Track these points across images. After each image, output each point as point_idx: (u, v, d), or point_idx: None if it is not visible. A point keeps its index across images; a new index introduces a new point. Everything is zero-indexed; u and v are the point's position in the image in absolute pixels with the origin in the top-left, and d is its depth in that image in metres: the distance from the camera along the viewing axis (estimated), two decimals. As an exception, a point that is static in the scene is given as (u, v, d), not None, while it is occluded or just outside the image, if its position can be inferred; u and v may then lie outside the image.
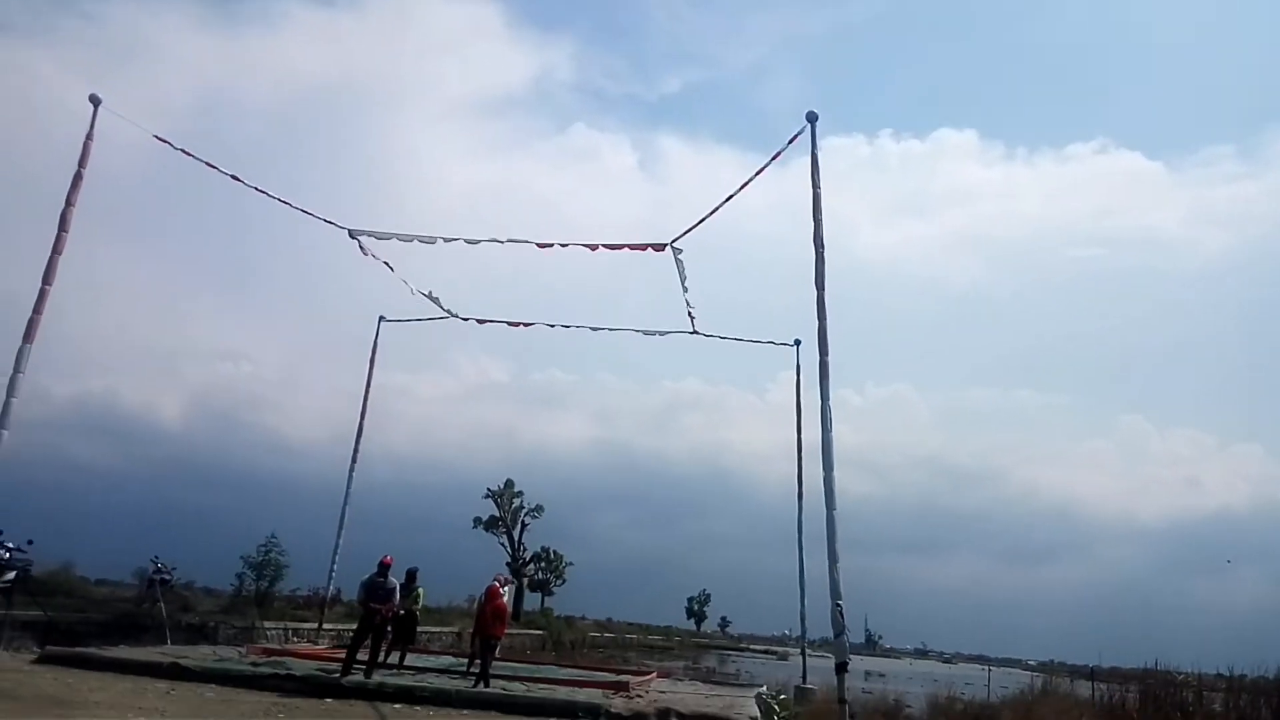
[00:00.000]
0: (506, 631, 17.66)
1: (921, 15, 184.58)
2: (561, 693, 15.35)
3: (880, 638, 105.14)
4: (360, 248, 17.19)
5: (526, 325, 23.09)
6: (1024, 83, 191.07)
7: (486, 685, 15.05)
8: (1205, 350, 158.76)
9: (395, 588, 15.53)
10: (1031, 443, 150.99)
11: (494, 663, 16.19)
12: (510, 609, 19.14)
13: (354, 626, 16.13)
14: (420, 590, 18.39)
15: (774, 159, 14.71)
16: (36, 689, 11.62)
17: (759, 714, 14.67)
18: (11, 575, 17.00)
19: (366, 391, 23.66)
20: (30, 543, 17.93)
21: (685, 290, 17.37)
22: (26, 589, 17.63)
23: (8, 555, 17.11)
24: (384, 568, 15.44)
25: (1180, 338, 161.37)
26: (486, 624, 15.92)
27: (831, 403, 13.25)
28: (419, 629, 19.71)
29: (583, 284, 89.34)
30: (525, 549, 52.09)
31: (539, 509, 51.69)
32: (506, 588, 19.25)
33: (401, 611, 16.80)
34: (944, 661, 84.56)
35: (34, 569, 18.43)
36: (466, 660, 17.23)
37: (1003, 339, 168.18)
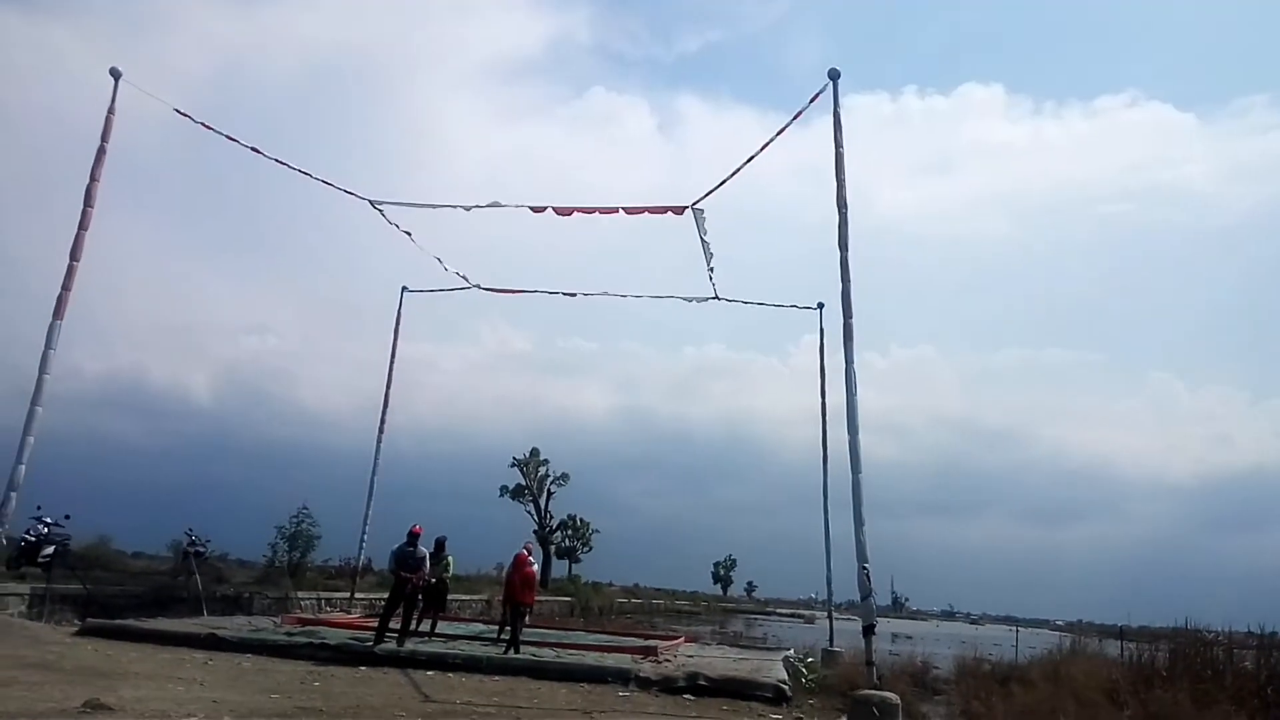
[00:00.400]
0: (536, 598, 17.79)
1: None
2: (590, 658, 15.51)
3: (907, 600, 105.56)
4: (384, 218, 17.19)
5: (548, 294, 23.11)
6: (1052, 35, 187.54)
7: (517, 651, 15.23)
8: (1236, 306, 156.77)
9: (425, 556, 15.72)
10: (1060, 402, 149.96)
11: (524, 629, 16.35)
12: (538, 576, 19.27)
13: (385, 595, 16.35)
14: (450, 558, 18.54)
15: (795, 119, 14.49)
16: (78, 660, 11.86)
17: (786, 677, 14.74)
18: (50, 549, 17.37)
19: (391, 363, 23.80)
20: (67, 517, 18.30)
21: (708, 254, 17.21)
22: (65, 563, 17.99)
23: (46, 530, 17.47)
24: (413, 537, 15.60)
25: (1211, 294, 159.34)
26: (516, 591, 16.08)
27: (856, 366, 13.16)
28: (449, 597, 19.90)
29: (604, 250, 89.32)
30: (552, 517, 52.53)
31: (565, 477, 52.07)
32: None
33: (432, 580, 16.98)
34: (971, 623, 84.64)
35: (72, 543, 18.79)
36: (497, 627, 17.40)
37: (1030, 297, 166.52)
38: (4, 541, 14.98)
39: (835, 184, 13.46)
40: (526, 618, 16.61)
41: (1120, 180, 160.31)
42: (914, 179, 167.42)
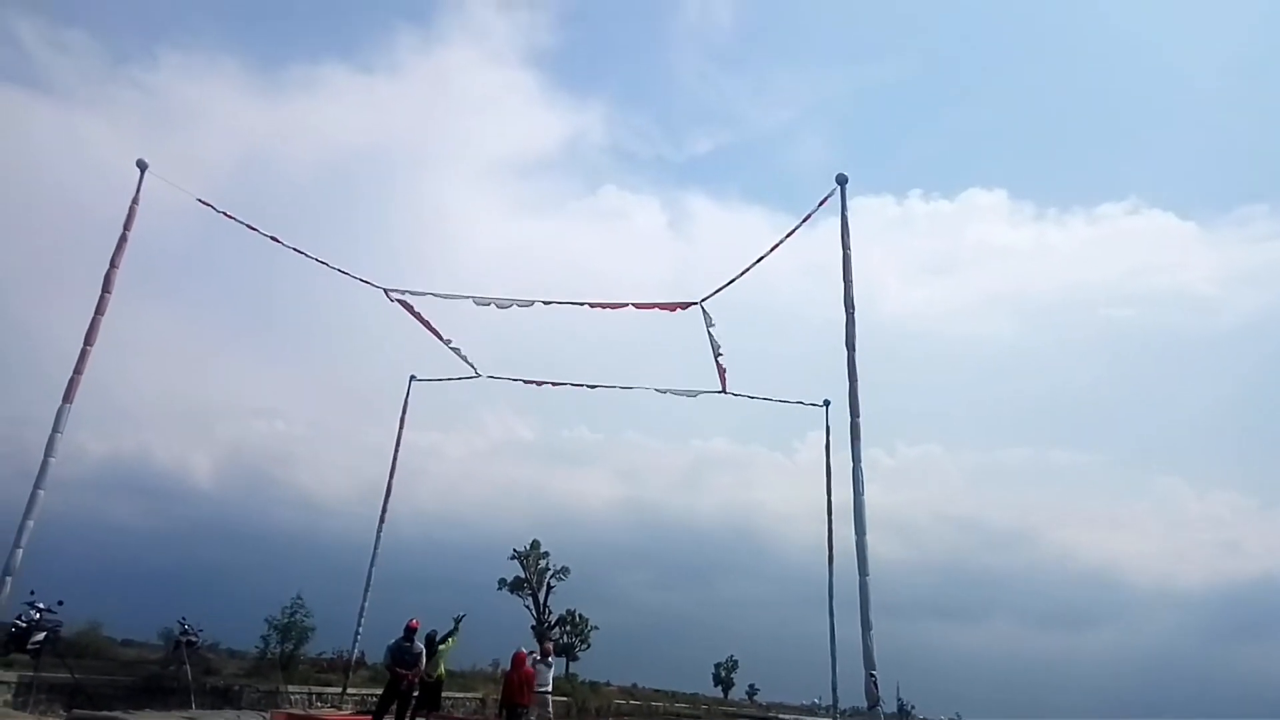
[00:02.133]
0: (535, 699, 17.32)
1: (951, 76, 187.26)
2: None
3: (913, 707, 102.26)
4: (403, 306, 17.43)
5: (555, 385, 23.19)
6: (1055, 142, 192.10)
7: None
8: (1244, 410, 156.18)
9: (421, 652, 15.42)
10: (1066, 503, 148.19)
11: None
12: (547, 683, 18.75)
13: (379, 691, 15.97)
14: (443, 648, 18.05)
15: (804, 222, 14.81)
16: (62, 753, 11.54)
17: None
18: (41, 636, 17.03)
19: (396, 451, 23.80)
20: (60, 603, 17.98)
21: (716, 350, 17.38)
22: (55, 650, 17.61)
23: (38, 616, 17.16)
24: (410, 631, 15.33)
25: (1218, 398, 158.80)
26: (514, 692, 15.67)
27: (863, 464, 13.12)
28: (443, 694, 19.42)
29: (612, 343, 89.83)
30: (550, 611, 51.52)
31: (565, 571, 51.27)
32: (549, 658, 19.12)
33: (427, 677, 16.61)
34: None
35: (63, 629, 18.44)
36: None
37: (1036, 397, 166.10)
38: (-4, 627, 14.77)
39: (843, 285, 13.66)
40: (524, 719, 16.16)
41: (1122, 284, 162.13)
42: (919, 279, 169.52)
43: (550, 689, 18.93)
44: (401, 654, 15.07)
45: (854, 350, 13.35)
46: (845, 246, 13.79)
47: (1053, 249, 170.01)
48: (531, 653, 19.06)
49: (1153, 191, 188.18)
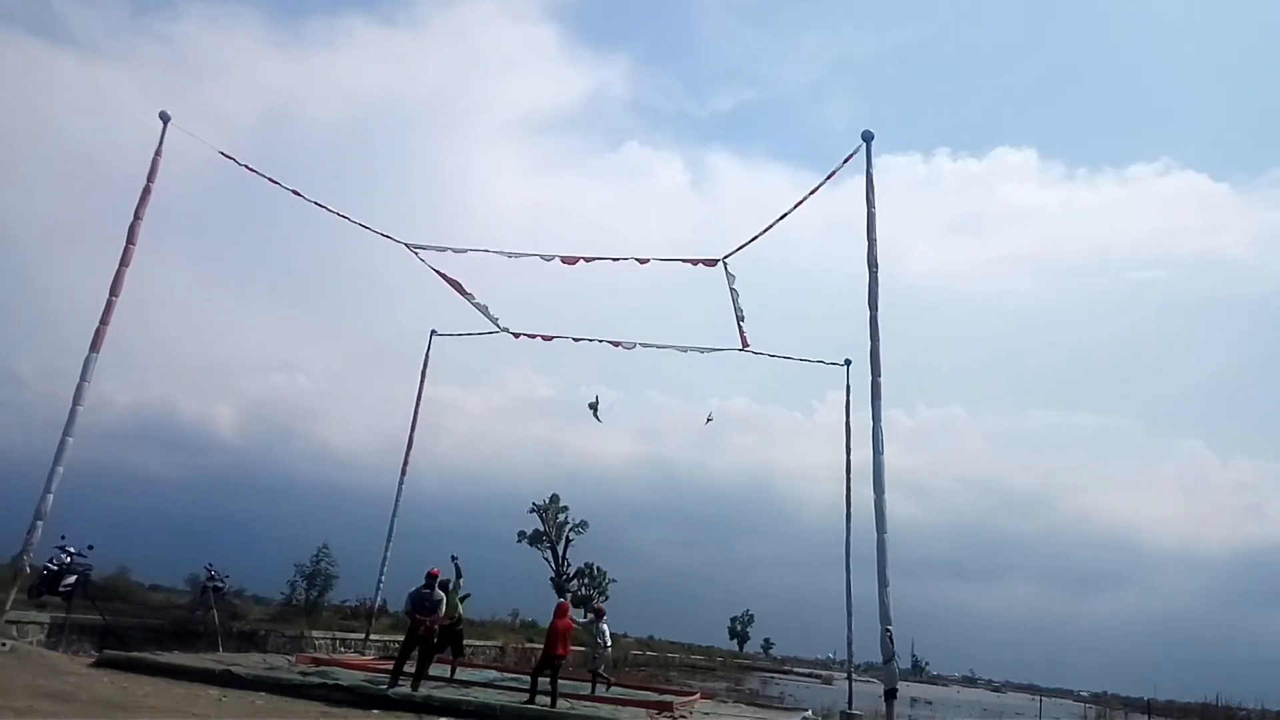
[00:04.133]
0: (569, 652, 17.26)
1: (982, 35, 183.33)
2: (605, 711, 15.30)
3: (927, 664, 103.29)
4: (424, 262, 17.45)
5: (575, 340, 23.23)
6: (1086, 102, 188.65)
7: (553, 704, 14.89)
8: (1270, 375, 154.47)
9: (441, 599, 15.62)
10: (1088, 467, 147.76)
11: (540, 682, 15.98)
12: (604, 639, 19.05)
13: (401, 638, 16.25)
14: (456, 592, 17.98)
15: (828, 179, 14.66)
16: (93, 692, 11.86)
17: (805, 739, 14.46)
18: (72, 579, 17.42)
19: (417, 404, 23.97)
20: (90, 548, 18.36)
21: (738, 308, 17.32)
22: (86, 593, 18.03)
23: (69, 560, 17.54)
24: (430, 579, 15.53)
25: (1244, 363, 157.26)
26: (551, 642, 15.72)
27: (883, 424, 13.11)
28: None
29: (632, 301, 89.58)
30: (569, 564, 52.10)
31: (584, 524, 51.71)
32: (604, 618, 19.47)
33: (450, 621, 16.85)
34: (993, 690, 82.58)
35: (93, 574, 18.85)
36: (529, 677, 16.62)
37: (1061, 360, 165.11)
38: (28, 569, 15.12)
39: (866, 243, 13.55)
40: (559, 670, 16.06)
41: (1152, 246, 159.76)
42: (945, 239, 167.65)
43: (607, 646, 19.30)
44: (421, 601, 15.28)
45: (876, 309, 13.29)
46: (870, 204, 13.65)
47: (1082, 210, 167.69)
48: (588, 613, 19.83)
49: (1185, 152, 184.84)
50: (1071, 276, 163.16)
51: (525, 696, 15.28)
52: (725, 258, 15.89)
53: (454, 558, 18.05)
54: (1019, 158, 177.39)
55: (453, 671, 17.77)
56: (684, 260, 16.25)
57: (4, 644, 13.79)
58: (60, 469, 14.19)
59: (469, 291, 19.71)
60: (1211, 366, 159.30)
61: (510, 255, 16.92)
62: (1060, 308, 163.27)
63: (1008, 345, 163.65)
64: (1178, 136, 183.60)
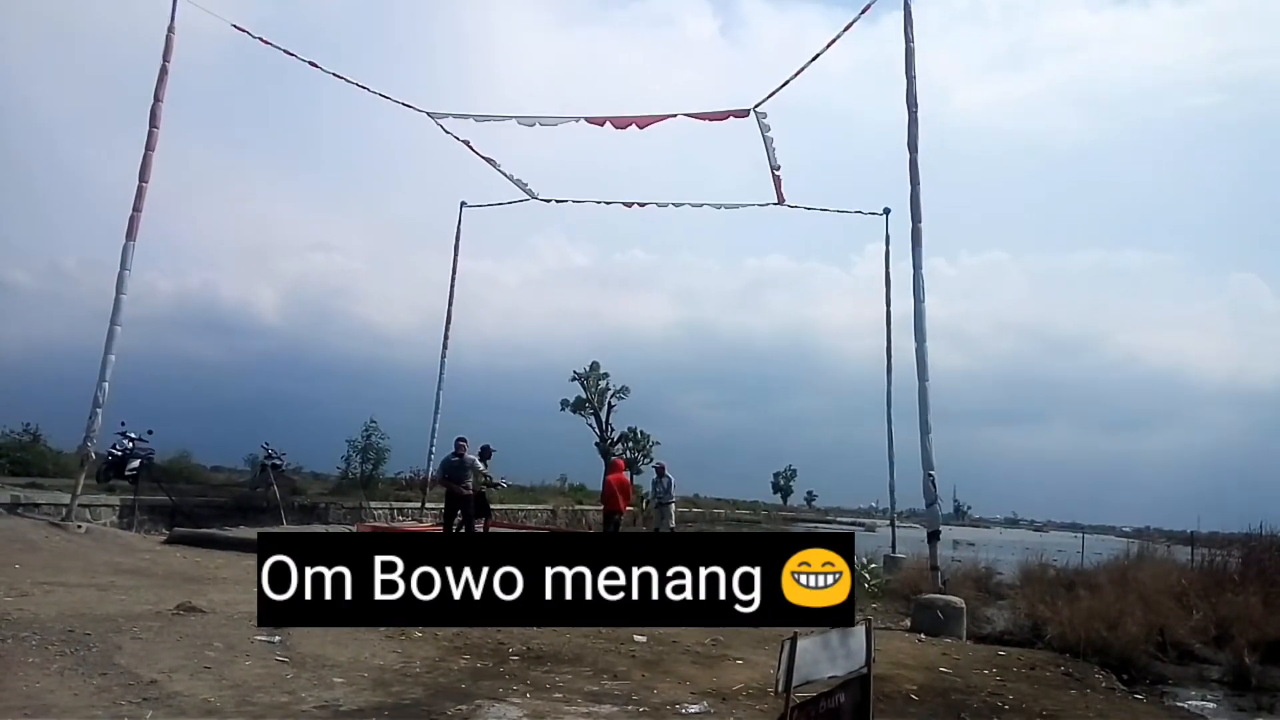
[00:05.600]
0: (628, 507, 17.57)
1: None
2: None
3: (969, 508, 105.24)
4: (442, 129, 17.10)
5: (607, 204, 22.95)
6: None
7: None
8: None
9: (469, 465, 16.05)
10: (1135, 306, 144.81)
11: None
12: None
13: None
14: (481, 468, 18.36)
15: (863, 13, 13.93)
16: (168, 567, 12.47)
17: (850, 582, 14.86)
18: (136, 463, 18.11)
19: (453, 278, 23.98)
20: (150, 432, 19.01)
21: (772, 159, 16.82)
22: (151, 475, 18.77)
23: (131, 445, 18.19)
24: (458, 446, 16.08)
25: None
26: (606, 498, 16.20)
27: (924, 272, 12.89)
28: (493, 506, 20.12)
29: (663, 160, 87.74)
30: (613, 429, 53.13)
31: (625, 390, 52.46)
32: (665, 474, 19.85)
33: (483, 486, 17.32)
34: (1035, 530, 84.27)
35: (155, 457, 19.57)
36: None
37: (1109, 198, 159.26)
38: (93, 455, 15.70)
39: (905, 81, 12.98)
40: (618, 526, 16.51)
41: (1211, 70, 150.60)
42: (988, 75, 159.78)
43: (672, 500, 19.89)
44: (447, 468, 15.91)
45: (916, 151, 12.85)
46: (908, 39, 13.00)
47: (1135, 35, 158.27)
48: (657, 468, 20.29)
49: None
50: (1122, 107, 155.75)
51: None
52: (756, 106, 15.35)
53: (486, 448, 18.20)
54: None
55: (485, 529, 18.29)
56: (713, 114, 15.73)
57: (80, 526, 14.45)
58: (112, 357, 14.52)
59: (489, 158, 19.30)
60: (1268, 194, 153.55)
61: (530, 123, 16.48)
62: (1109, 141, 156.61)
63: (1053, 184, 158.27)
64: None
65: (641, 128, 16.01)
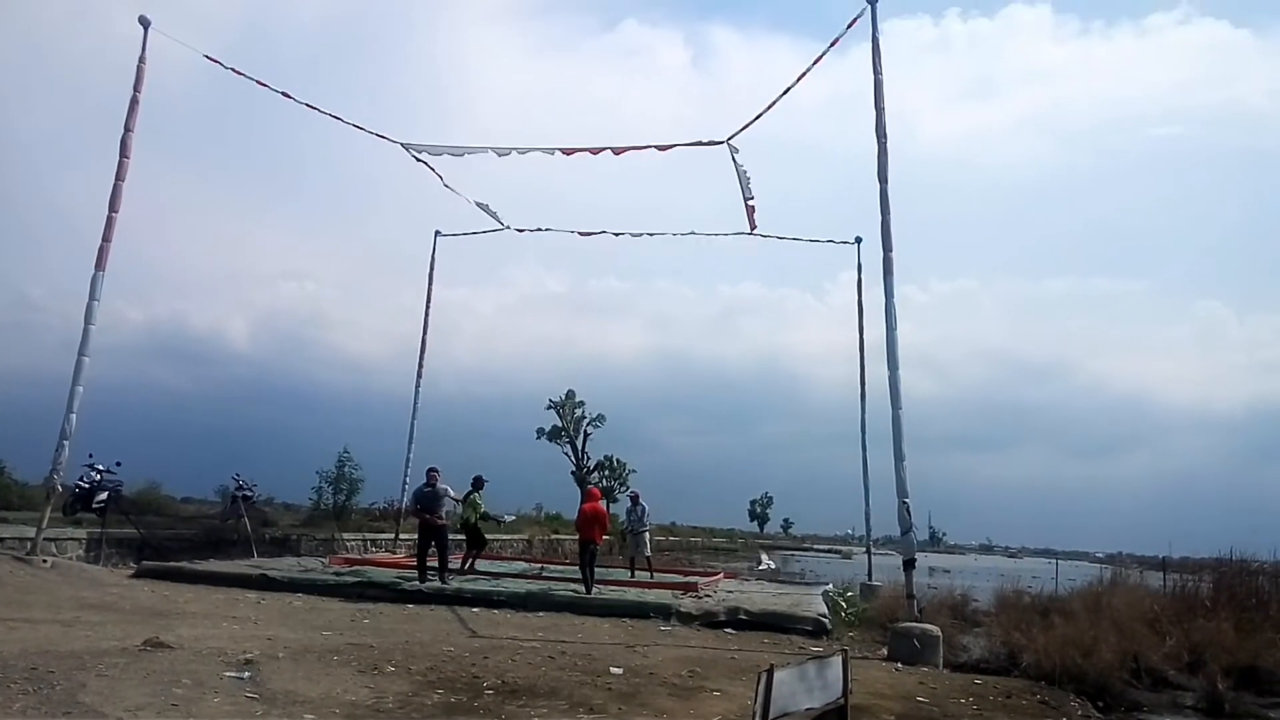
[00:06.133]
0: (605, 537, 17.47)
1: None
2: (632, 594, 15.72)
3: (944, 535, 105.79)
4: (416, 159, 17.07)
5: (580, 234, 22.99)
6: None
7: (587, 590, 15.18)
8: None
9: (441, 495, 15.90)
10: (1103, 333, 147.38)
11: (565, 568, 16.43)
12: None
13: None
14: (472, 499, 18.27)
15: (832, 46, 14.12)
16: (136, 601, 12.23)
17: (826, 610, 14.87)
18: (104, 495, 17.82)
19: (427, 307, 23.90)
20: (119, 464, 18.73)
21: (745, 189, 16.93)
22: (119, 508, 18.47)
23: (99, 477, 17.90)
24: (430, 477, 15.94)
25: (1262, 217, 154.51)
26: (581, 527, 16.11)
27: (895, 300, 13.00)
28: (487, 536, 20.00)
29: (638, 190, 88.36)
30: (589, 458, 52.95)
31: (600, 418, 52.38)
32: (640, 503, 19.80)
33: (468, 520, 17.14)
34: (1009, 556, 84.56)
35: (124, 489, 19.27)
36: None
37: (1076, 225, 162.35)
38: (60, 488, 15.43)
39: (874, 113, 13.15)
40: (594, 555, 16.33)
41: (1171, 100, 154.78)
42: (956, 106, 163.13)
43: (646, 528, 20.13)
44: (419, 498, 15.77)
45: (886, 182, 12.99)
46: (876, 71, 13.18)
47: (1098, 66, 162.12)
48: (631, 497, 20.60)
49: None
50: (1086, 137, 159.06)
51: (551, 584, 15.70)
52: (730, 138, 15.50)
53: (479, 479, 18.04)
54: (1032, 14, 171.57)
55: (470, 564, 18.09)
56: (687, 144, 15.87)
57: (46, 560, 14.17)
58: (80, 388, 14.32)
59: (459, 191, 19.24)
60: (1229, 223, 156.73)
61: (505, 153, 16.51)
62: (1075, 171, 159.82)
63: (1021, 213, 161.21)
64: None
65: (617, 154, 16.11)
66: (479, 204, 20.07)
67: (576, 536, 16.42)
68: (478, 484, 17.29)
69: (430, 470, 16.07)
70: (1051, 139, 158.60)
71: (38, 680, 6.81)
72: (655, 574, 19.69)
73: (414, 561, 16.43)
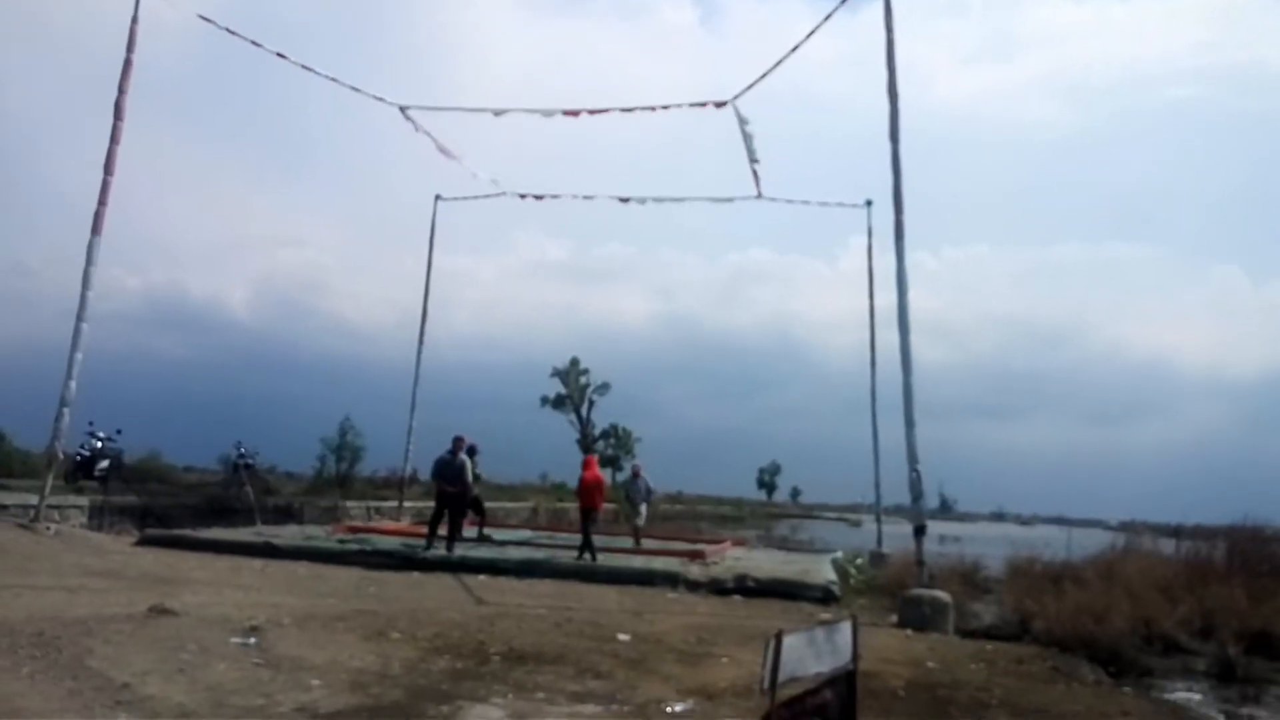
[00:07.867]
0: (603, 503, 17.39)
1: None
2: (638, 562, 15.64)
3: (955, 502, 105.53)
4: (414, 124, 16.82)
5: (583, 199, 22.76)
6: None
7: (593, 558, 15.13)
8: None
9: (464, 465, 15.71)
10: (1119, 299, 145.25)
11: (572, 534, 16.35)
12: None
13: (433, 504, 16.54)
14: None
15: (844, 2, 13.82)
16: (141, 569, 12.17)
17: (835, 578, 14.79)
18: (106, 463, 17.78)
19: (428, 274, 23.66)
20: (119, 432, 18.70)
21: (751, 152, 16.65)
22: (120, 476, 18.43)
23: (100, 445, 17.86)
24: (456, 446, 15.72)
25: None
26: (582, 495, 16.07)
27: (907, 265, 12.78)
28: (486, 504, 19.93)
29: (644, 152, 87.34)
30: (594, 426, 53.01)
31: (606, 386, 52.42)
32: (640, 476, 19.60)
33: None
34: (1021, 524, 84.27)
35: (125, 457, 19.22)
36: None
37: (1091, 189, 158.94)
38: (61, 456, 15.35)
39: (886, 72, 12.85)
40: (596, 522, 16.25)
41: (1191, 61, 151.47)
42: (970, 67, 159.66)
43: (644, 501, 19.66)
44: (441, 468, 15.54)
45: (898, 142, 12.71)
46: (889, 29, 12.83)
47: (1117, 25, 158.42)
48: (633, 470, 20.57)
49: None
50: (1104, 98, 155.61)
51: (555, 552, 15.63)
52: (735, 98, 15.20)
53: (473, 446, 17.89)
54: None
55: (481, 528, 18.07)
56: (691, 105, 15.58)
57: (49, 527, 14.11)
58: (79, 355, 14.19)
59: (455, 154, 18.88)
60: (1248, 187, 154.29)
61: (497, 113, 16.26)
62: (1092, 133, 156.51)
63: (1036, 176, 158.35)
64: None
65: (624, 113, 15.89)
66: (475, 172, 19.76)
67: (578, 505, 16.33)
68: (470, 451, 17.11)
69: (456, 438, 15.82)
70: (1068, 100, 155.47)
71: (45, 645, 6.75)
72: (662, 540, 19.62)
73: (418, 529, 16.35)
